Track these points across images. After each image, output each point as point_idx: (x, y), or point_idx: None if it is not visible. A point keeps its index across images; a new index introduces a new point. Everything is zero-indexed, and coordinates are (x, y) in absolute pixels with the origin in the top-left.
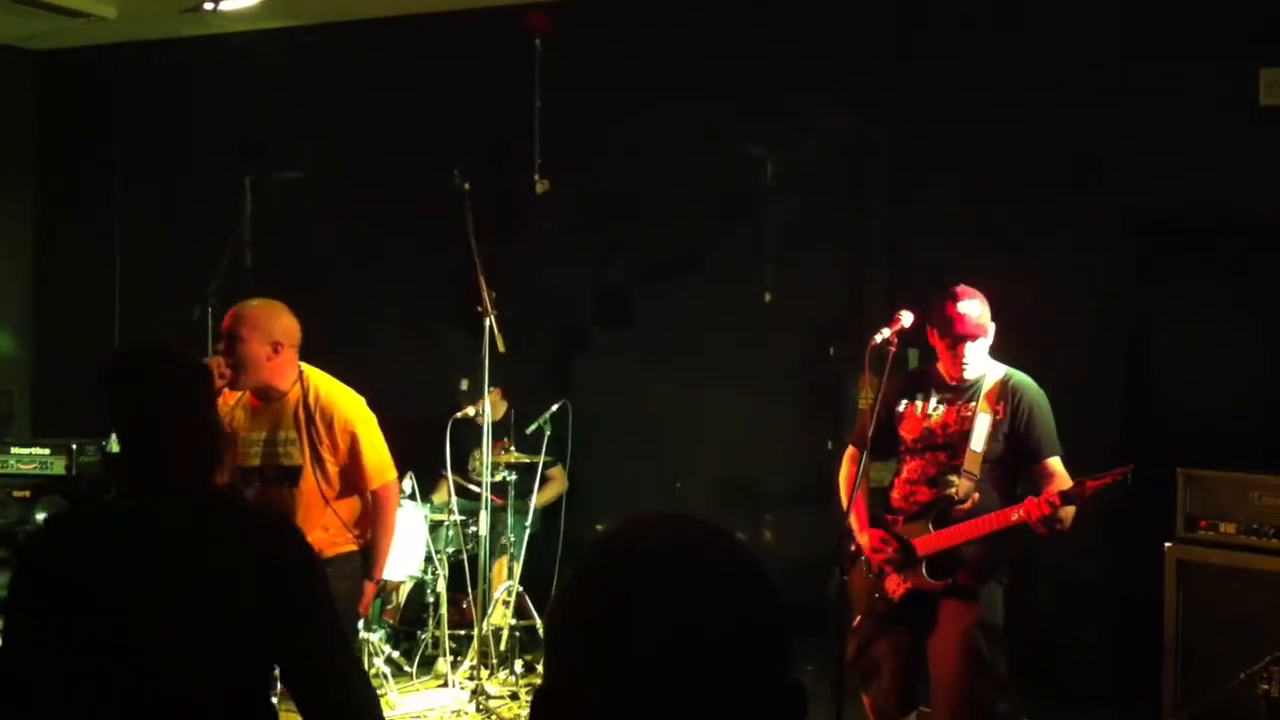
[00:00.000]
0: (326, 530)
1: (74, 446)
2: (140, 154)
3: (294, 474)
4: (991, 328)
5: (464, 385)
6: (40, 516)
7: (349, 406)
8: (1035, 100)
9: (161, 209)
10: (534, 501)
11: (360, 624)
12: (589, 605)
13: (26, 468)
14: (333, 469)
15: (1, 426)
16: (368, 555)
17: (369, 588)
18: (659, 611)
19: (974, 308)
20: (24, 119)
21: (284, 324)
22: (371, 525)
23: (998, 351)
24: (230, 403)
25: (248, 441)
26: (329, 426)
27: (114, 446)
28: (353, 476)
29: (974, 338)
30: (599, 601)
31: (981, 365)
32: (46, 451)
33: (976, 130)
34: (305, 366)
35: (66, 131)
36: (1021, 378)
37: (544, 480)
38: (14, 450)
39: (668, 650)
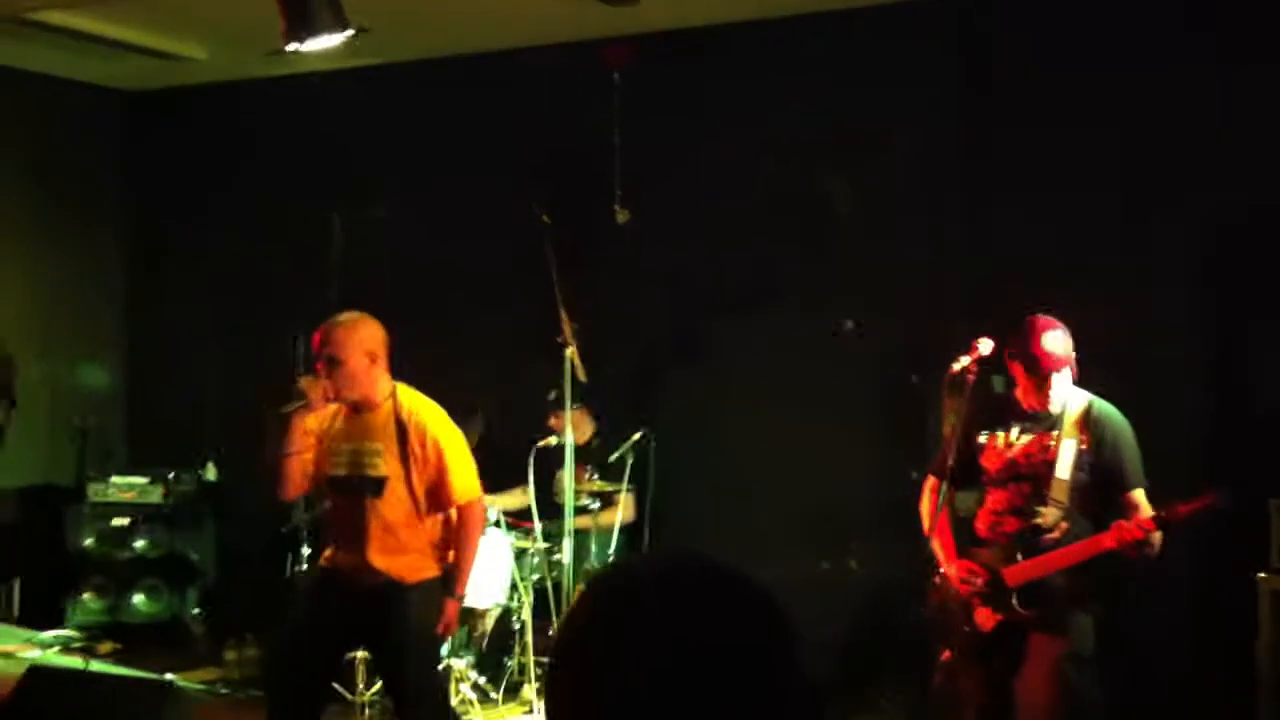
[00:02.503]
0: (407, 554)
1: (170, 475)
2: (230, 192)
3: (379, 485)
4: (1073, 357)
5: (552, 395)
6: (139, 545)
7: (439, 421)
8: (1115, 112)
9: (251, 246)
10: (603, 516)
11: (445, 648)
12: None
13: (125, 496)
14: (419, 483)
15: (102, 459)
16: (450, 575)
17: (451, 605)
18: (654, 630)
19: (1057, 340)
20: (115, 157)
21: (377, 335)
22: (455, 544)
23: (1081, 375)
24: (328, 413)
25: (335, 451)
26: (420, 438)
27: (210, 475)
28: (439, 493)
29: (1059, 369)
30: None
31: (1065, 394)
32: (145, 480)
33: (1053, 148)
34: (399, 385)
35: (158, 169)
36: (1105, 406)
37: (611, 503)
38: (114, 479)
39: (663, 666)
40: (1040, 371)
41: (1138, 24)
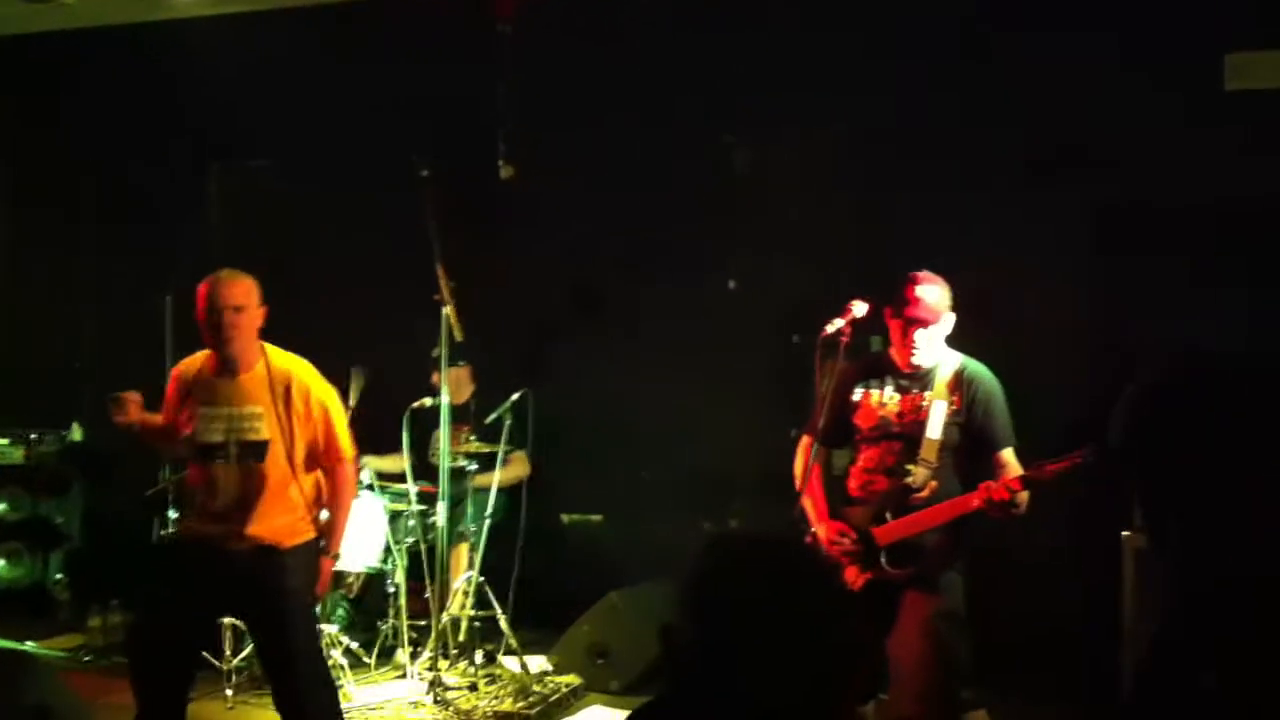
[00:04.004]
0: (285, 517)
1: (33, 436)
2: (104, 142)
3: (261, 449)
4: (948, 316)
5: (435, 352)
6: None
7: (319, 381)
8: (1006, 94)
9: (125, 198)
10: (495, 477)
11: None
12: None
13: None
14: (301, 444)
15: None
16: (325, 534)
17: (327, 564)
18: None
19: (932, 293)
20: None
21: (254, 292)
22: (331, 502)
23: (969, 342)
24: (188, 377)
25: (208, 416)
26: (305, 398)
27: (75, 436)
28: (325, 451)
29: (926, 323)
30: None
31: (936, 353)
32: (5, 441)
33: (950, 125)
34: (269, 346)
35: (29, 119)
36: (977, 367)
37: (505, 462)
38: None
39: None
40: (905, 316)
41: None
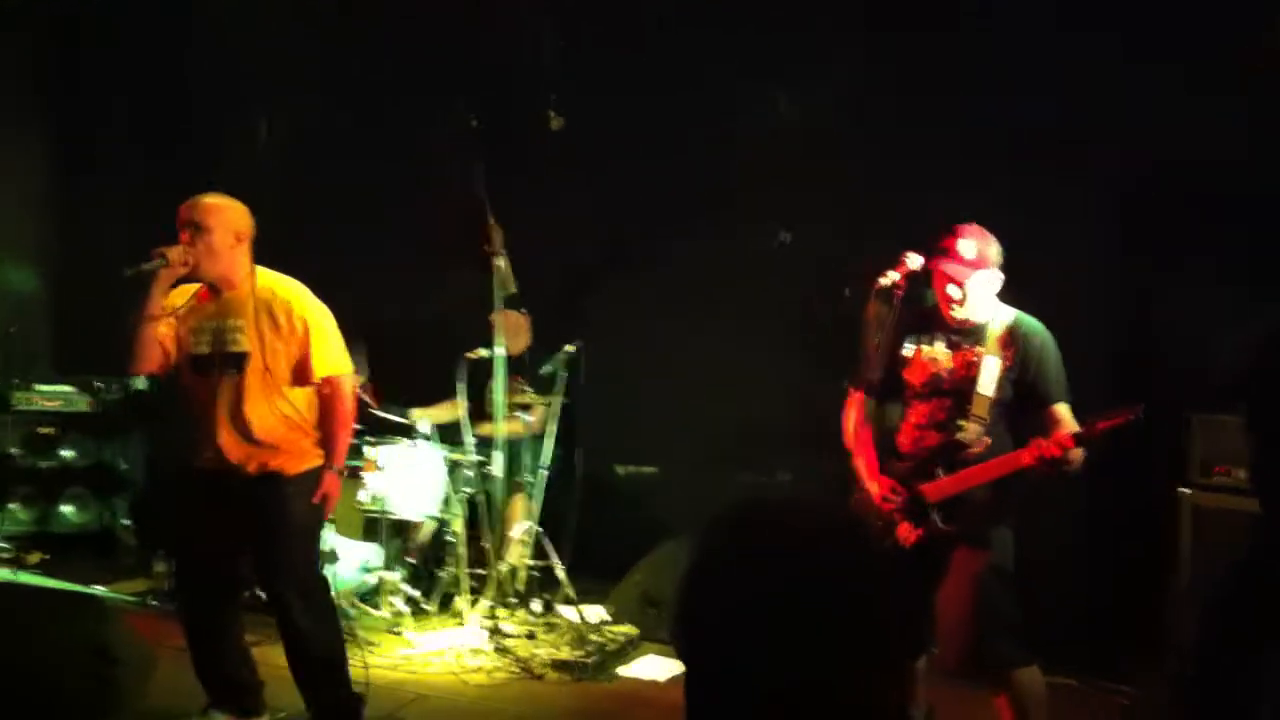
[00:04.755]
0: (284, 433)
1: (98, 384)
2: (151, 92)
3: (240, 360)
4: (993, 267)
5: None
6: (66, 454)
7: (302, 296)
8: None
9: (175, 147)
10: (535, 420)
11: (377, 559)
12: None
13: (51, 405)
14: (283, 357)
15: (26, 364)
16: (325, 450)
17: (328, 478)
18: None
19: (969, 246)
20: (35, 64)
21: (243, 216)
22: (324, 418)
23: (1004, 292)
24: (181, 293)
25: (198, 330)
26: (286, 313)
27: (138, 384)
28: (304, 364)
29: (961, 275)
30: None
31: (987, 308)
32: (71, 389)
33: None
34: (259, 268)
35: (78, 77)
36: (1031, 322)
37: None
38: (38, 388)
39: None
40: (941, 268)
41: None
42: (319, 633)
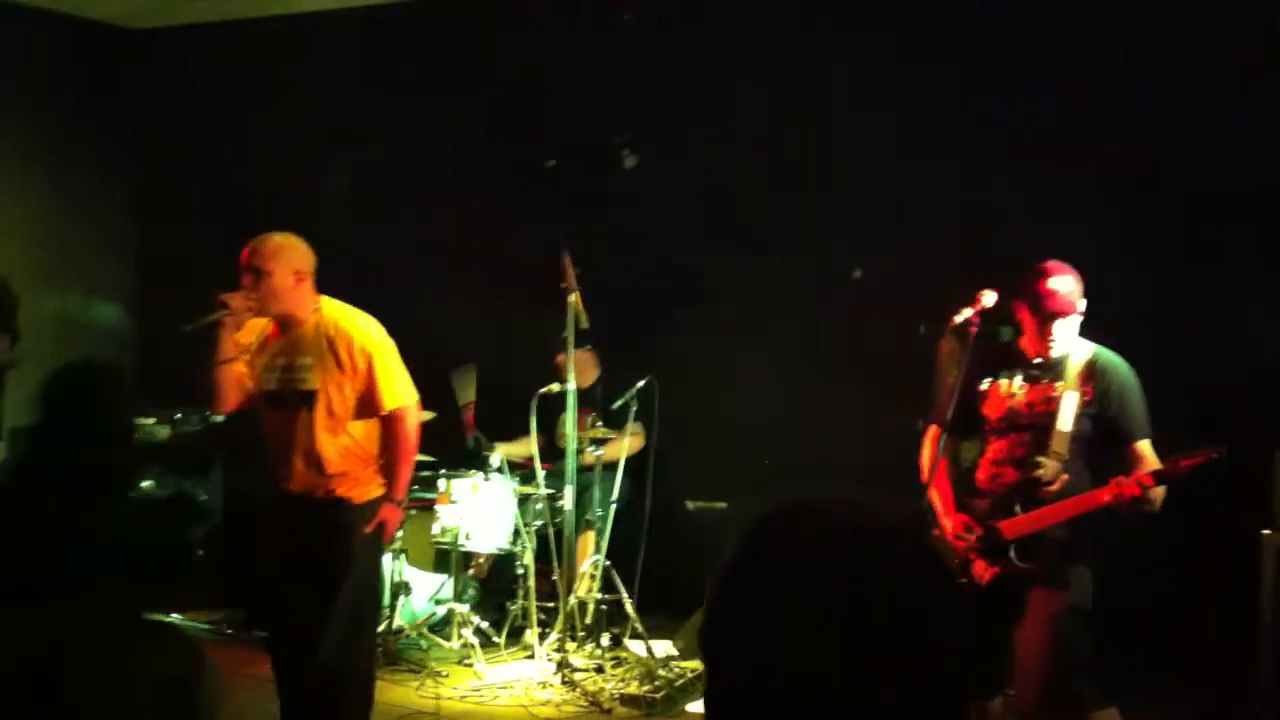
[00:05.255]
0: (350, 465)
1: (178, 416)
2: (236, 132)
3: (310, 397)
4: (1082, 304)
5: (565, 332)
6: (145, 484)
7: (365, 330)
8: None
9: (258, 185)
10: (622, 457)
11: (448, 591)
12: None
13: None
14: (349, 392)
15: None
16: (387, 481)
17: (387, 510)
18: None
19: (1065, 284)
20: (119, 95)
21: (303, 253)
22: (387, 450)
23: (1085, 327)
24: (253, 330)
25: (269, 367)
26: (348, 349)
27: (217, 416)
28: (369, 399)
29: (1064, 315)
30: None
31: (1069, 343)
32: (151, 421)
33: (1061, 109)
34: (322, 297)
35: (162, 108)
36: (1111, 357)
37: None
38: None
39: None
40: (1043, 312)
41: None
42: (335, 667)
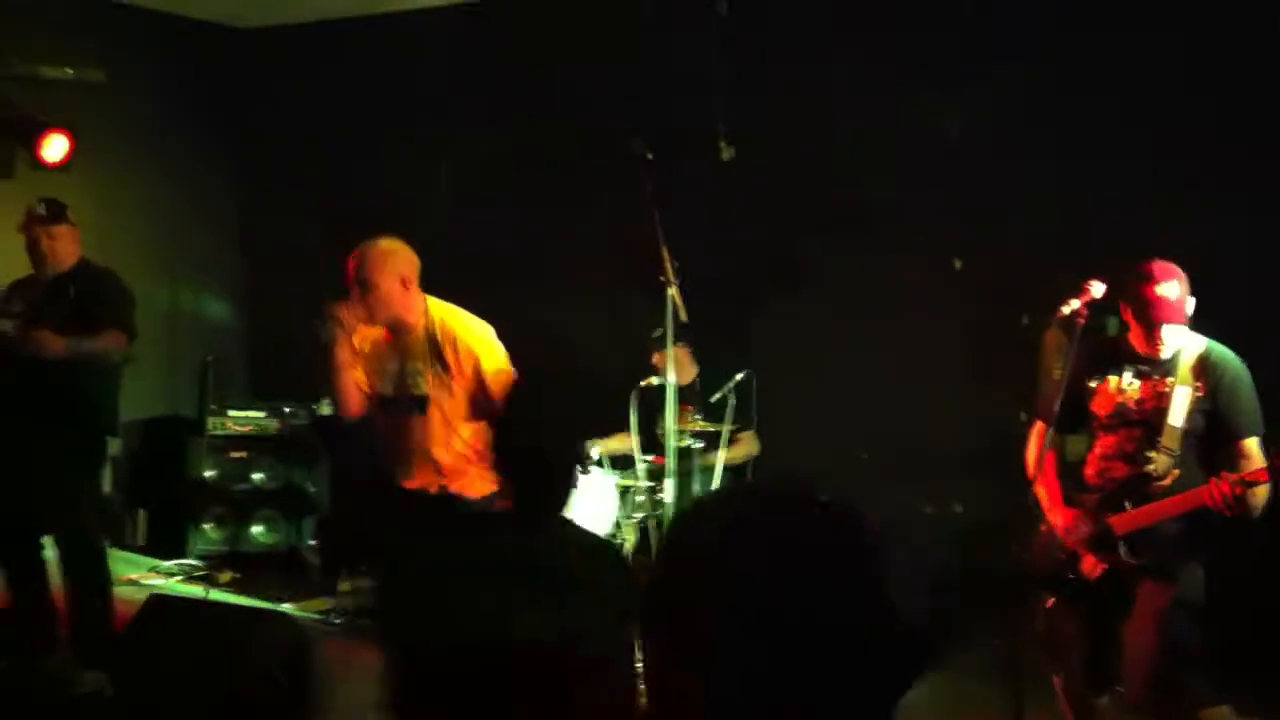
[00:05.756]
0: (463, 470)
1: (287, 409)
2: (340, 126)
3: (423, 402)
4: (1190, 304)
5: (657, 332)
6: (256, 476)
7: (472, 331)
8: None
9: (363, 182)
10: (720, 456)
11: None
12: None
13: (243, 429)
14: (460, 394)
15: (222, 390)
16: None
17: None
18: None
19: (1173, 289)
20: (231, 93)
21: (407, 258)
22: None
23: (1194, 317)
24: (367, 336)
25: (383, 372)
26: (454, 352)
27: (324, 409)
28: (480, 399)
29: (1172, 320)
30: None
31: (1179, 339)
32: (261, 414)
33: (1162, 93)
34: (430, 299)
35: (272, 105)
36: (1223, 352)
37: (733, 440)
38: (231, 413)
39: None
40: (1152, 319)
41: None
42: None
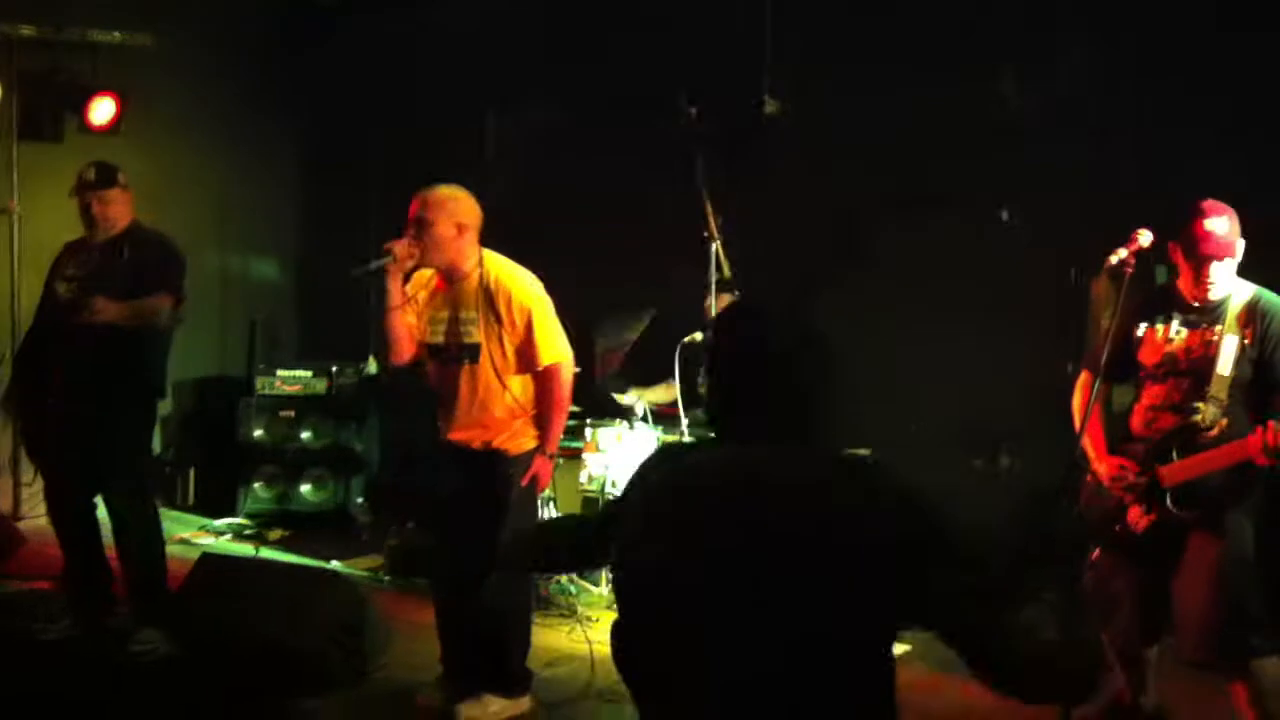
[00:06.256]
0: (508, 423)
1: (334, 369)
2: (391, 88)
3: (474, 351)
4: (1240, 245)
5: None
6: (305, 436)
7: (525, 286)
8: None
9: (412, 150)
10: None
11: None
12: None
13: (291, 389)
14: (509, 346)
15: (270, 350)
16: (541, 435)
17: (540, 461)
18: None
19: (1222, 225)
20: (288, 61)
21: (467, 206)
22: (541, 403)
23: (1247, 271)
24: (420, 283)
25: (434, 320)
26: (507, 304)
27: (371, 369)
28: (527, 354)
29: (1221, 257)
30: None
31: (1228, 285)
32: (309, 374)
33: (1226, 55)
34: (485, 251)
35: (328, 75)
36: (1272, 298)
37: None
38: (280, 373)
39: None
40: (1199, 254)
41: None
42: (500, 608)
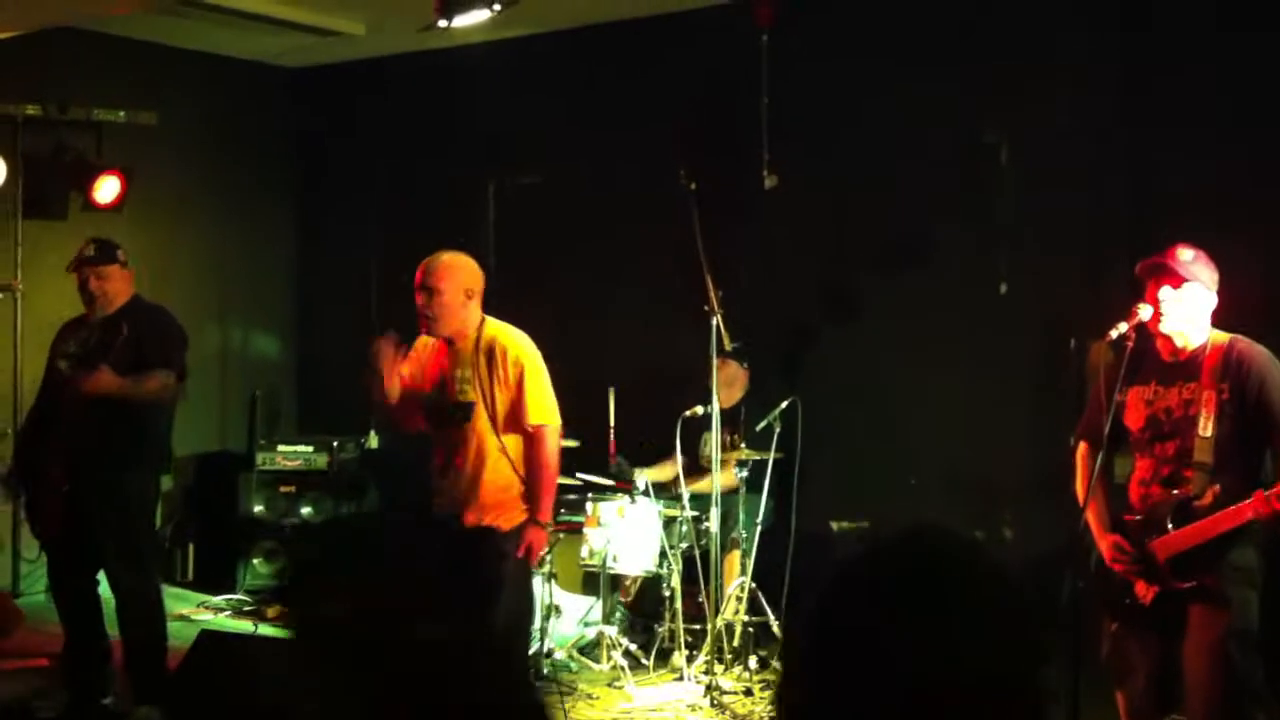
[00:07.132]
0: (502, 484)
1: (335, 444)
2: (390, 163)
3: (469, 409)
4: (1204, 284)
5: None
6: (305, 511)
7: (521, 344)
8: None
9: (413, 216)
10: (765, 487)
11: (597, 613)
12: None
13: (291, 464)
14: (502, 404)
15: (270, 425)
16: (529, 502)
17: (531, 531)
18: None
19: (1186, 255)
20: (280, 132)
21: (475, 273)
22: (528, 467)
23: (1242, 321)
24: (424, 348)
25: (431, 380)
26: (503, 358)
27: (372, 443)
28: (517, 411)
29: (1170, 277)
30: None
31: (1199, 334)
32: (310, 449)
33: (1217, 113)
34: (486, 317)
35: (321, 144)
36: (1247, 345)
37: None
38: (280, 448)
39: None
40: (1150, 264)
41: None
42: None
